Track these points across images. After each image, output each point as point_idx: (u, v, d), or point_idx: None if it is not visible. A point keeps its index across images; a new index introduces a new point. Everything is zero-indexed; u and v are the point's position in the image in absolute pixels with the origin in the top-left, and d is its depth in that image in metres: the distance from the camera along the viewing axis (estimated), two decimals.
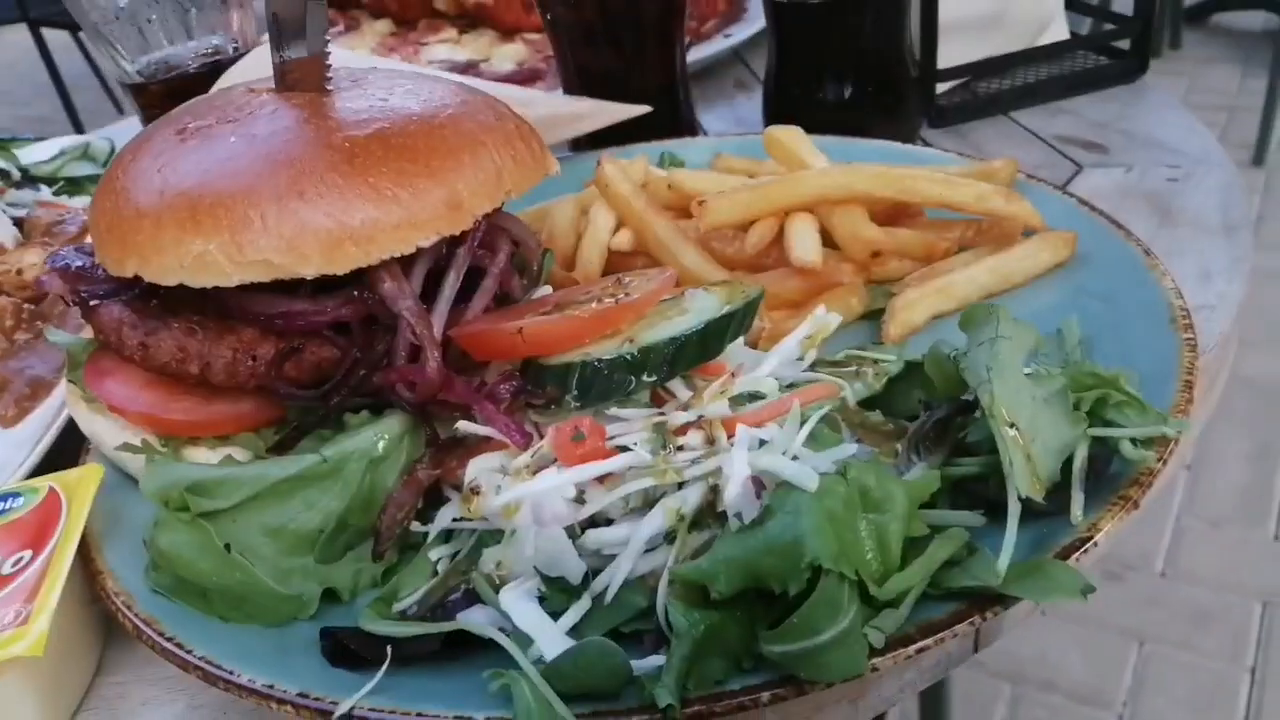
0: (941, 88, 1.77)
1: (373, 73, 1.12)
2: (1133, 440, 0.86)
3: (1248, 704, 2.86)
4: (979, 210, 1.24)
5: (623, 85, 1.67)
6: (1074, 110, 1.77)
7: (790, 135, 1.35)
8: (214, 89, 1.47)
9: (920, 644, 0.74)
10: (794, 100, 1.65)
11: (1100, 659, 3.04)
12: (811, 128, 1.49)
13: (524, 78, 2.07)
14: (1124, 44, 1.86)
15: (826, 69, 1.61)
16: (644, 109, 1.57)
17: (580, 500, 0.84)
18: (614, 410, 0.92)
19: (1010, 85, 1.82)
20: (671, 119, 1.72)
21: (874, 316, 1.21)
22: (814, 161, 1.32)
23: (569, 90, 1.73)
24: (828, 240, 1.24)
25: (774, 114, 1.71)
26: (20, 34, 6.56)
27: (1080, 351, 1.06)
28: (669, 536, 0.82)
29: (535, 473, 0.86)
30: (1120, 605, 3.20)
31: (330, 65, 1.06)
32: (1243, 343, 1.20)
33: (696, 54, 2.06)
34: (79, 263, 1.05)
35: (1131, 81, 1.82)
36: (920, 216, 1.33)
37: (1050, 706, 2.94)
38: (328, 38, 1.05)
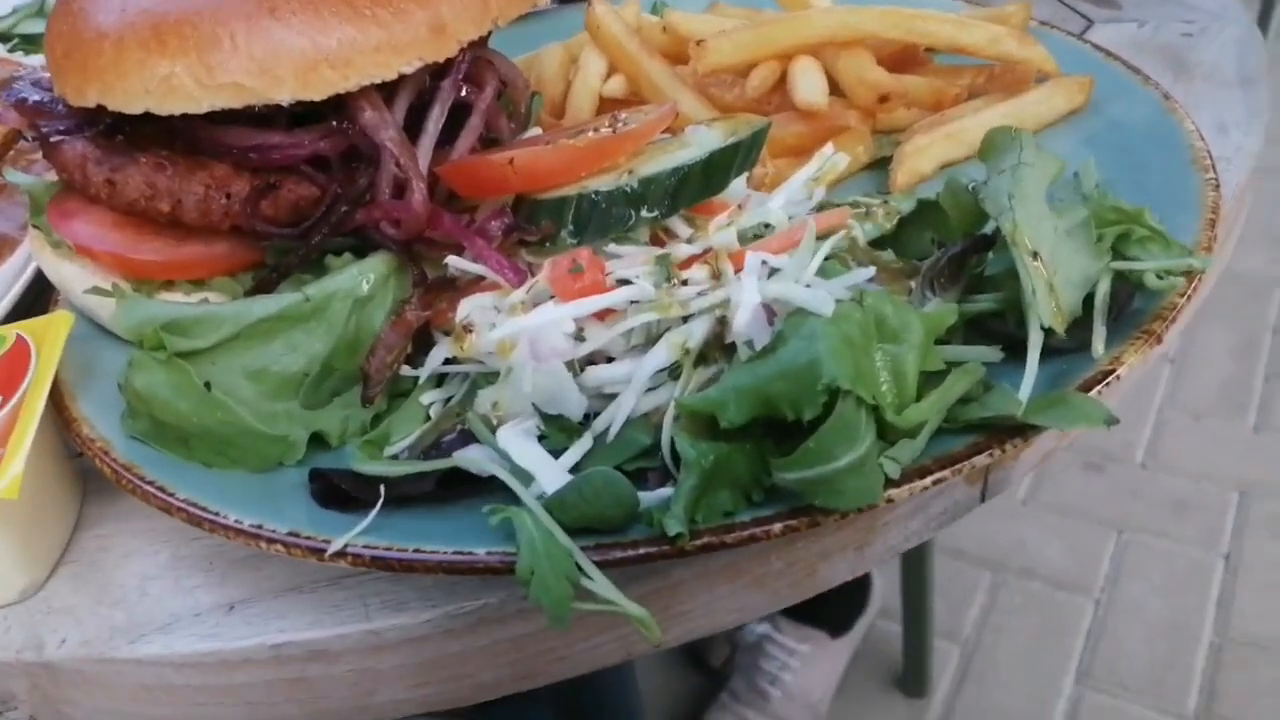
0: None
1: None
2: (1158, 273, 0.82)
3: (1220, 588, 2.92)
4: (991, 54, 1.18)
5: None
6: None
7: None
8: None
9: (937, 475, 0.71)
10: None
11: (1079, 547, 3.08)
12: None
13: None
14: None
15: None
16: None
17: (579, 337, 0.79)
18: (613, 247, 0.87)
19: None
20: None
21: (880, 166, 1.16)
22: (819, 2, 1.25)
23: None
24: (833, 88, 1.18)
25: None
26: None
27: (1099, 194, 1.01)
28: (673, 373, 0.78)
29: (531, 309, 0.81)
30: (1100, 496, 3.23)
31: None
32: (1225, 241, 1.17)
33: None
34: (36, 97, 0.98)
35: None
36: (929, 64, 1.26)
37: (1029, 593, 2.98)
38: None
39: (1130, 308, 0.84)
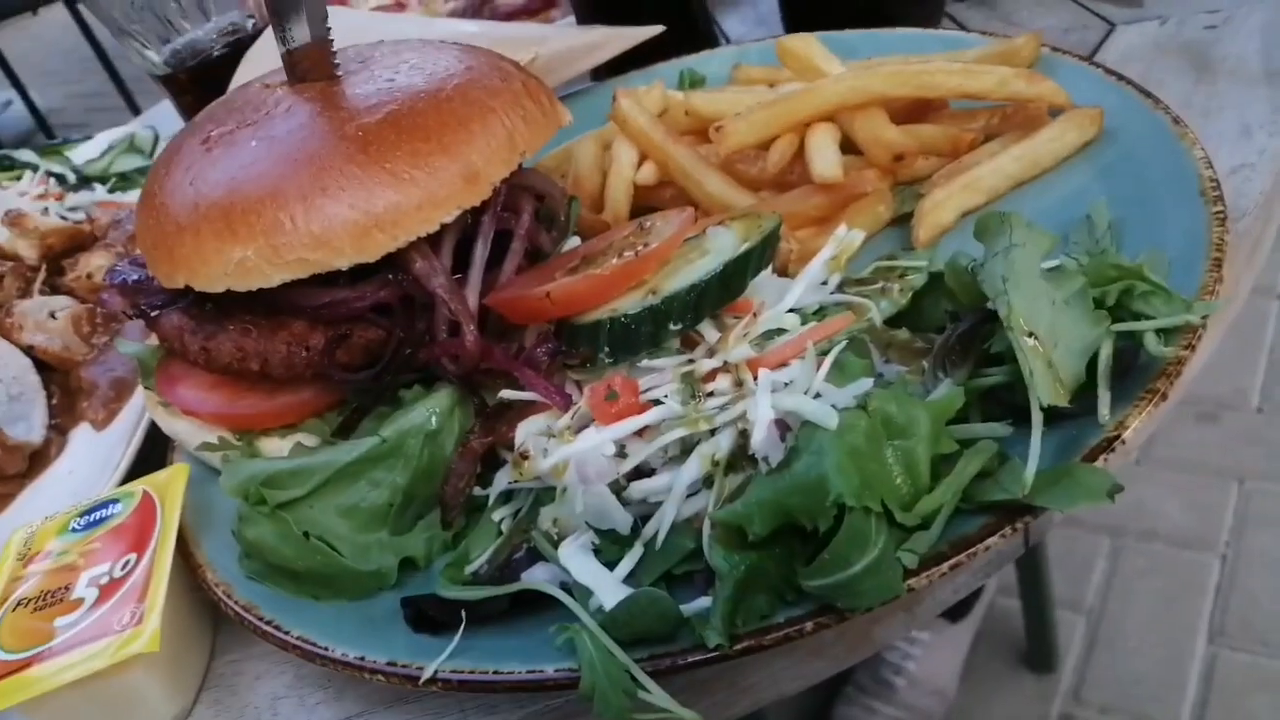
0: None
1: (379, 49, 1.15)
2: (1158, 332, 0.87)
3: None
4: (1002, 96, 1.22)
5: (635, 4, 1.65)
6: None
7: (803, 43, 1.34)
8: (235, 76, 1.51)
9: (953, 560, 0.78)
10: None
11: (1199, 503, 3.02)
12: (830, 21, 1.47)
13: (539, 6, 2.06)
14: None
15: None
16: (657, 30, 1.55)
17: (622, 454, 0.88)
18: (646, 361, 0.96)
19: None
20: (688, 30, 1.71)
21: (905, 220, 1.21)
22: (829, 68, 1.30)
23: (580, 17, 1.72)
24: (851, 146, 1.24)
25: (791, 12, 1.68)
26: (59, 12, 6.65)
27: (1110, 236, 1.05)
28: (708, 481, 0.86)
29: (577, 432, 0.90)
30: (1217, 447, 3.15)
31: (335, 51, 1.09)
32: None
33: None
34: (135, 276, 1.11)
35: None
36: (945, 109, 1.31)
37: (1151, 555, 2.94)
38: (328, 25, 1.08)
39: (1137, 364, 0.88)
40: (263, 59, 1.46)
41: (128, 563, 0.97)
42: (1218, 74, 1.36)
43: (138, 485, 1.06)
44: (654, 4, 1.68)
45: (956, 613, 2.68)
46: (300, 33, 1.07)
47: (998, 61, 1.27)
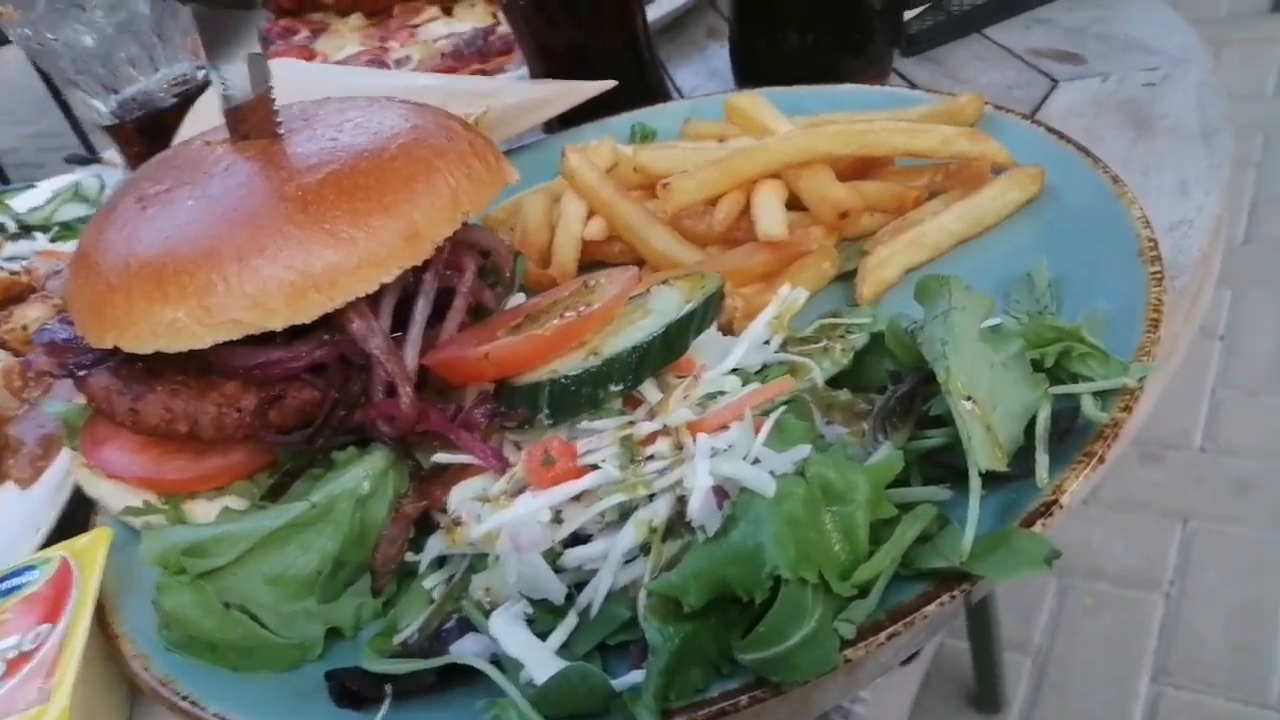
0: (912, 13, 1.73)
1: (324, 107, 1.13)
2: (1096, 394, 0.87)
3: None
4: (945, 155, 1.23)
5: (586, 57, 1.66)
6: (1049, 19, 1.73)
7: (750, 101, 1.34)
8: (182, 127, 1.50)
9: (890, 630, 0.77)
10: (759, 51, 1.63)
11: (1144, 542, 3.05)
12: (779, 77, 1.48)
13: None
14: None
15: (788, 16, 1.58)
16: (609, 85, 1.56)
17: (558, 520, 0.87)
18: (586, 423, 0.94)
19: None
20: (640, 83, 1.71)
21: (850, 276, 1.21)
22: (776, 125, 1.31)
23: (533, 70, 1.73)
24: (797, 202, 1.24)
25: (741, 67, 1.69)
26: (16, 52, 6.58)
27: (1050, 294, 1.06)
28: (645, 548, 0.84)
29: (513, 497, 0.89)
30: (1161, 486, 3.19)
31: (278, 108, 1.08)
32: (1269, 201, 1.17)
33: (665, 5, 2.03)
34: (64, 335, 1.08)
35: None
36: (890, 165, 1.32)
37: (1097, 594, 2.96)
38: (270, 84, 1.07)
39: (1076, 425, 0.88)
40: (211, 110, 1.44)
41: (39, 635, 0.93)
42: (1156, 131, 1.38)
43: (56, 551, 1.02)
44: (606, 57, 1.68)
45: (905, 658, 2.67)
46: (242, 90, 1.06)
47: (942, 120, 1.28)
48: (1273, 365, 3.50)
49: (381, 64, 2.15)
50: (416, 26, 2.39)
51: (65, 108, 6.41)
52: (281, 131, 1.07)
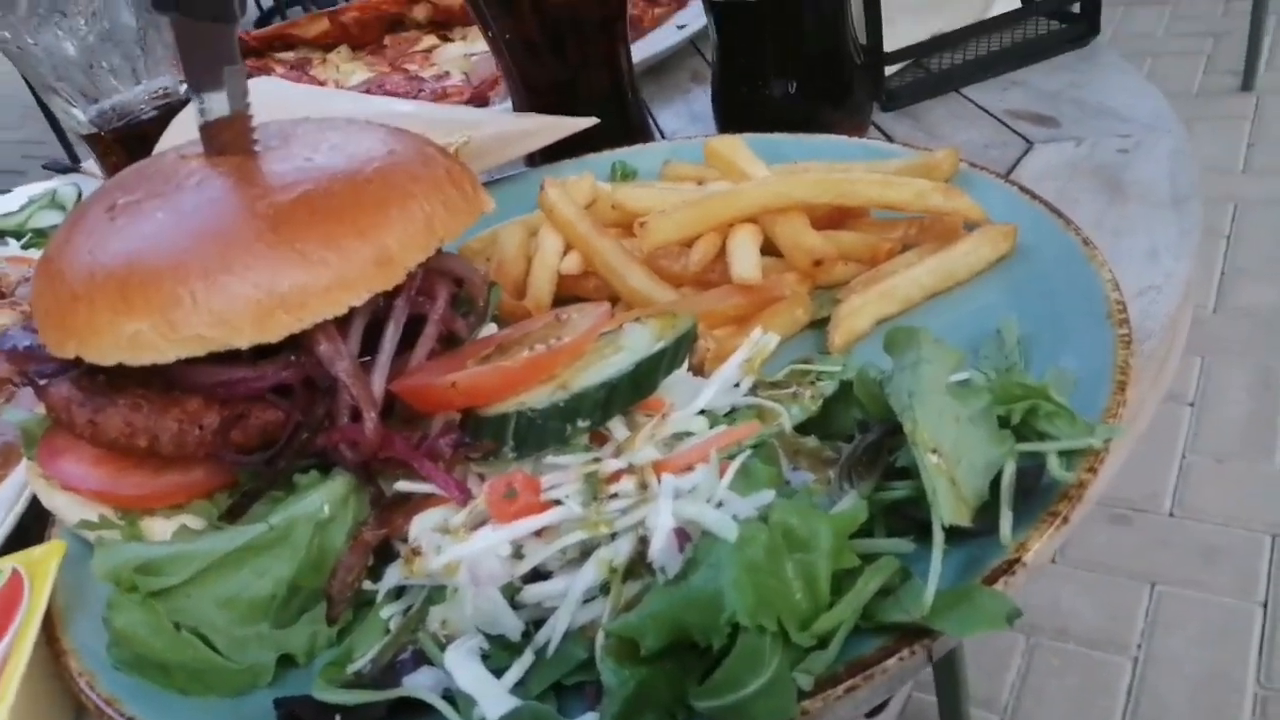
0: (893, 69, 1.76)
1: (302, 126, 1.13)
2: (1061, 454, 0.87)
3: (1261, 636, 2.89)
4: (919, 209, 1.25)
5: (570, 94, 1.67)
6: (1026, 82, 1.76)
7: (728, 145, 1.35)
8: (162, 140, 1.49)
9: (849, 683, 0.76)
10: (741, 98, 1.65)
11: (1112, 604, 3.07)
12: (760, 124, 1.49)
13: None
14: (1076, 7, 1.84)
15: (769, 66, 1.60)
16: (591, 121, 1.57)
17: (518, 555, 0.86)
18: (552, 458, 0.93)
19: (962, 60, 1.81)
20: (622, 122, 1.72)
21: (821, 325, 1.22)
22: (754, 171, 1.32)
23: (517, 103, 1.73)
24: (772, 248, 1.25)
25: (722, 113, 1.71)
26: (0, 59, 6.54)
27: (1019, 351, 1.07)
28: (604, 588, 0.84)
29: (473, 529, 0.88)
30: (1130, 549, 3.22)
31: (255, 126, 1.07)
32: (1238, 272, 1.19)
33: (650, 48, 2.06)
34: (26, 342, 1.07)
35: (1083, 45, 1.81)
36: (865, 216, 1.33)
37: (1064, 654, 2.97)
38: (248, 100, 1.06)
39: (1040, 485, 0.89)
40: (191, 124, 1.43)
41: None
42: (1129, 196, 1.40)
43: (7, 562, 1.00)
44: (591, 95, 1.69)
45: (873, 709, 2.66)
46: (219, 106, 1.06)
47: (918, 174, 1.30)
48: (1242, 433, 3.55)
49: (416, 84, 2.12)
50: (429, 51, 2.38)
51: (50, 116, 6.36)
52: (257, 149, 1.07)
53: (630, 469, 0.88)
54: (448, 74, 2.20)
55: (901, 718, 2.84)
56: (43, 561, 0.99)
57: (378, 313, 1.04)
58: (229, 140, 1.07)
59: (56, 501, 1.06)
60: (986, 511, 0.85)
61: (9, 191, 1.96)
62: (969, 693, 2.63)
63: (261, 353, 0.99)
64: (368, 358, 1.02)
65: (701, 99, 1.98)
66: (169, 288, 0.92)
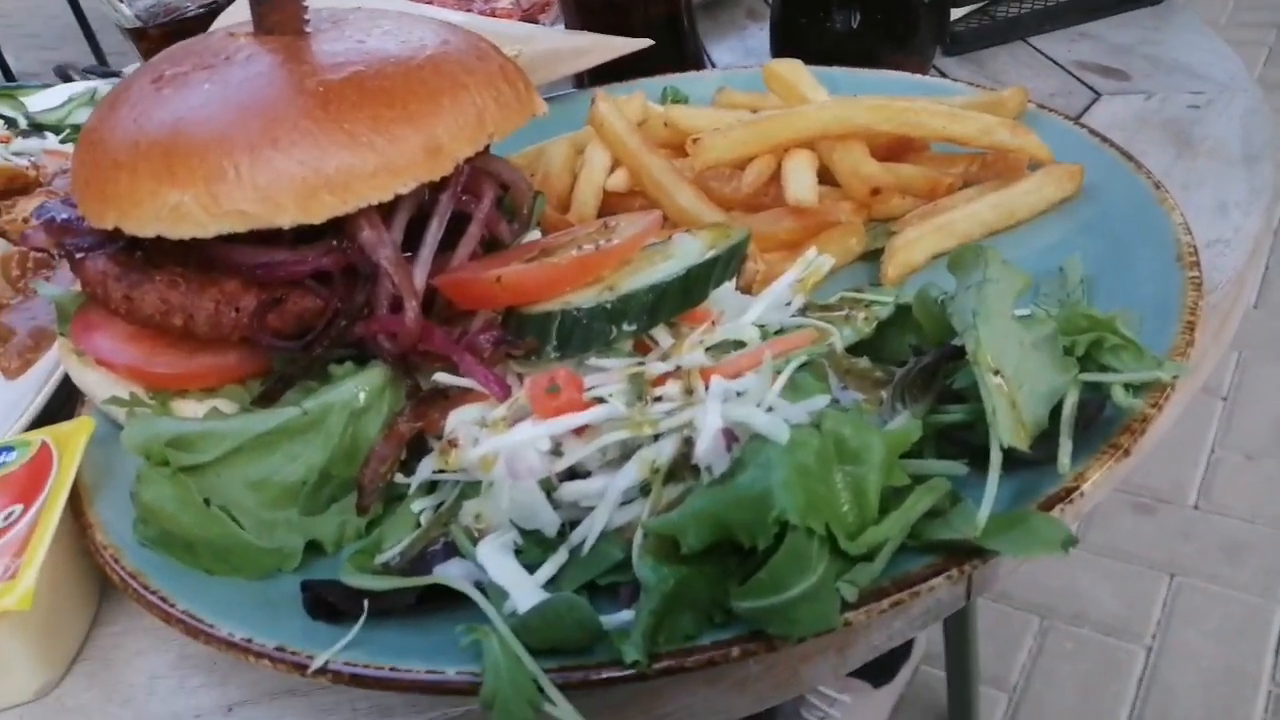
0: (958, 13, 1.71)
1: (355, 13, 1.10)
2: (1126, 386, 0.84)
3: (1278, 635, 2.85)
4: (984, 144, 1.20)
5: (625, 17, 1.63)
6: (1097, 35, 1.70)
7: (790, 68, 1.31)
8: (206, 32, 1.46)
9: (895, 597, 0.73)
10: (800, 30, 1.60)
11: (1130, 592, 3.04)
12: (819, 59, 1.45)
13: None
14: None
15: None
16: (646, 43, 1.53)
17: (557, 452, 0.83)
18: (595, 360, 0.91)
19: (1030, 9, 1.75)
20: (677, 52, 1.68)
21: (875, 256, 1.18)
22: (814, 96, 1.28)
23: (570, 25, 1.69)
24: (828, 177, 1.21)
25: (781, 45, 1.66)
26: None
27: (1082, 291, 1.03)
28: (644, 489, 0.81)
29: (512, 425, 0.85)
30: (1152, 538, 3.18)
31: (307, 5, 1.04)
32: None
33: None
34: (65, 215, 1.05)
35: (1158, 3, 1.75)
36: (925, 151, 1.29)
37: (1078, 639, 2.94)
38: None
39: (1102, 417, 0.85)
40: (236, 19, 1.41)
41: (11, 514, 0.89)
42: (1198, 152, 1.35)
43: (37, 435, 0.99)
44: (645, 22, 1.65)
45: (880, 677, 2.65)
46: None
47: (983, 111, 1.25)
48: (1274, 430, 3.49)
49: (467, 2, 2.08)
50: None
51: (92, 39, 6.36)
52: (309, 30, 1.04)
53: (677, 372, 0.85)
54: None
55: (909, 689, 2.82)
56: (72, 436, 0.98)
57: (423, 206, 1.01)
58: (280, 20, 1.03)
59: (87, 378, 1.04)
60: (1043, 442, 0.82)
61: (50, 86, 1.94)
62: (979, 669, 2.62)
63: (302, 237, 0.96)
64: (409, 253, 0.99)
65: (758, 35, 1.93)
66: (213, 159, 0.90)
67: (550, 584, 0.80)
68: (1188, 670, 2.80)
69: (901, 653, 2.71)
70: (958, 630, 2.50)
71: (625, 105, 1.32)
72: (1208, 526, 3.21)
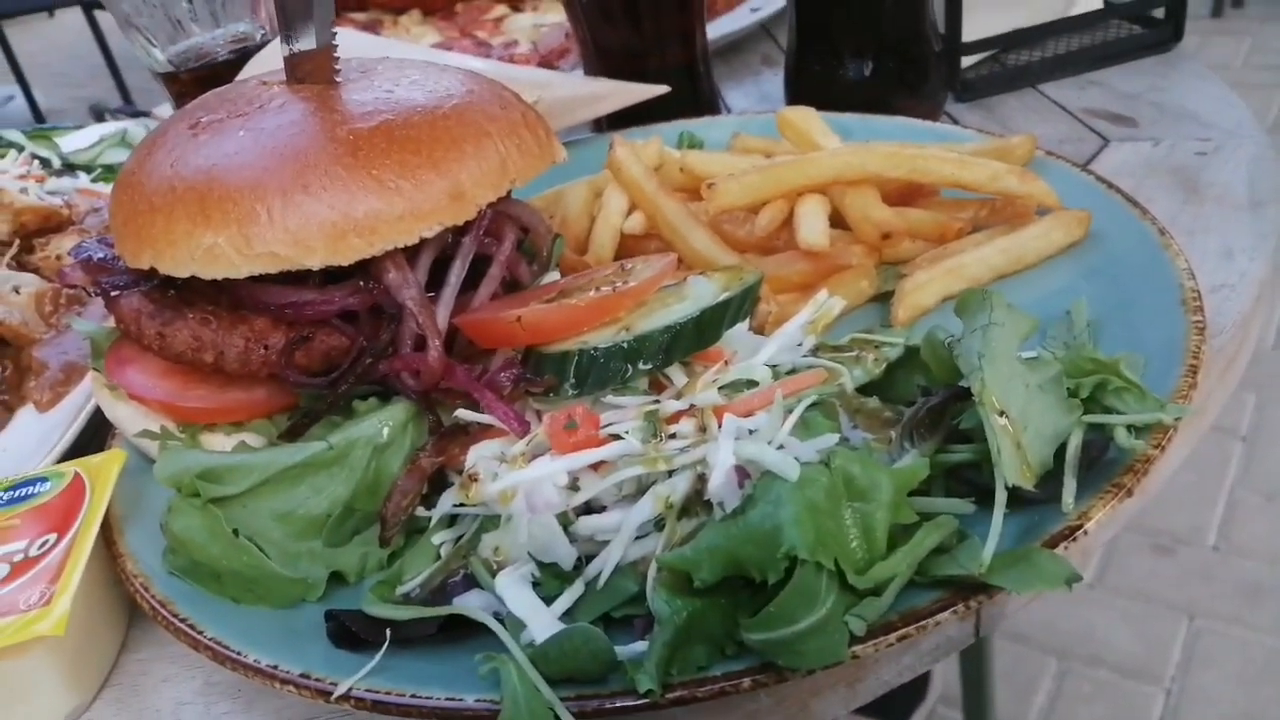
0: (969, 60, 1.75)
1: (383, 63, 1.14)
2: (1129, 427, 0.86)
3: None
4: (992, 190, 1.23)
5: (643, 64, 1.67)
6: (1104, 82, 1.74)
7: (802, 115, 1.35)
8: (237, 79, 1.50)
9: (902, 631, 0.75)
10: (815, 78, 1.64)
11: (1149, 634, 3.01)
12: (832, 105, 1.48)
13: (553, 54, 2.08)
14: (1159, 12, 1.81)
15: (847, 46, 1.59)
16: (663, 89, 1.57)
17: (574, 487, 0.86)
18: (611, 398, 0.93)
19: (1040, 57, 1.79)
20: (693, 97, 1.72)
21: (886, 298, 1.21)
22: (826, 142, 1.31)
23: (589, 70, 1.74)
24: (840, 221, 1.24)
25: (795, 92, 1.70)
26: (75, 16, 6.70)
27: (1089, 334, 1.05)
28: (659, 523, 0.83)
29: (531, 460, 0.88)
30: (1171, 580, 3.16)
31: (338, 57, 1.08)
32: None
33: (723, 29, 2.06)
34: (100, 254, 1.08)
35: (1165, 51, 1.78)
36: (935, 195, 1.32)
37: (1096, 681, 2.92)
38: (334, 30, 1.07)
39: (1105, 458, 0.87)
40: (266, 66, 1.45)
41: (46, 542, 0.92)
42: (1204, 198, 1.38)
43: (70, 466, 1.02)
44: (663, 67, 1.69)
45: (896, 716, 2.64)
46: (306, 40, 1.07)
47: (992, 157, 1.28)
48: None
49: (484, 49, 2.14)
50: (499, 20, 2.40)
51: (117, 76, 6.50)
52: (339, 80, 1.08)
53: (691, 410, 0.88)
54: (516, 42, 2.22)
55: None
56: (103, 467, 1.01)
57: (446, 249, 1.04)
58: (311, 70, 1.08)
59: (119, 412, 1.07)
60: (1049, 481, 0.84)
61: (83, 128, 2.00)
62: (996, 711, 2.60)
63: (330, 278, 1.00)
64: (433, 293, 1.03)
65: (772, 81, 1.98)
66: (247, 203, 0.94)
67: (567, 615, 0.82)
68: (1208, 714, 2.78)
69: (916, 693, 2.70)
70: (974, 671, 2.49)
71: (642, 150, 1.36)
72: (1227, 568, 3.19)
